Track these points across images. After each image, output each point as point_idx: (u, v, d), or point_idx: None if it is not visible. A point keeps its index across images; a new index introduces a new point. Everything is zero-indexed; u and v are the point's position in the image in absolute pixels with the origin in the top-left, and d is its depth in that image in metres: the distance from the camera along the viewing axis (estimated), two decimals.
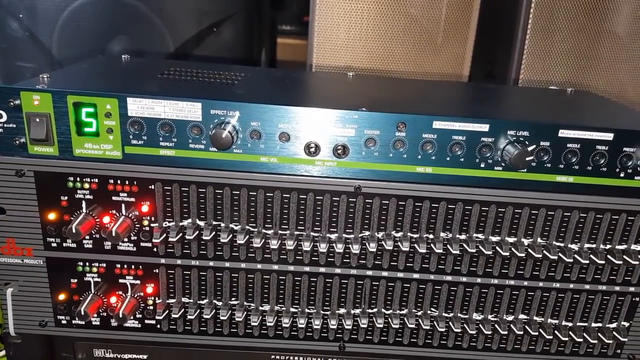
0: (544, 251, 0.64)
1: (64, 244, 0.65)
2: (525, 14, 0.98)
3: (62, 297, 0.67)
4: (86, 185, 0.63)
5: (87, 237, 0.65)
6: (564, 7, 0.97)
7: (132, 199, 0.63)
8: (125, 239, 0.65)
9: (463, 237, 0.65)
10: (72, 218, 0.63)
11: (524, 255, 0.64)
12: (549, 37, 0.99)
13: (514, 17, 1.01)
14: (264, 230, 0.65)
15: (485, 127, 0.60)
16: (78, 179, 0.63)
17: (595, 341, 0.68)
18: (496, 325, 0.68)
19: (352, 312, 0.68)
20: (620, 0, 0.98)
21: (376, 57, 1.01)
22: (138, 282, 0.67)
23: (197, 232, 0.64)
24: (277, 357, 0.71)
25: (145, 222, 0.64)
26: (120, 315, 0.65)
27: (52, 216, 0.64)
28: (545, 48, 1.00)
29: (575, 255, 0.64)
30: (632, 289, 0.68)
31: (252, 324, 0.67)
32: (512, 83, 1.03)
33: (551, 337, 0.68)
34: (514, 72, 1.03)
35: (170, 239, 0.63)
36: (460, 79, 1.05)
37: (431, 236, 0.65)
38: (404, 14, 0.99)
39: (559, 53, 1.00)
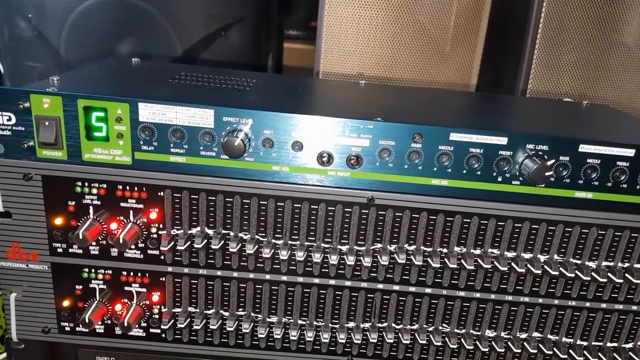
0: (561, 268, 0.63)
1: (70, 250, 0.64)
2: (534, 24, 0.97)
3: (66, 303, 0.66)
4: (94, 191, 0.62)
5: (94, 243, 0.63)
6: (574, 17, 0.97)
7: (141, 206, 0.62)
8: (133, 246, 0.63)
9: (478, 252, 0.64)
10: (79, 224, 0.62)
11: (540, 272, 0.62)
12: (558, 47, 0.98)
13: (523, 27, 1.00)
14: (273, 240, 0.63)
15: (503, 140, 0.59)
16: (86, 184, 0.61)
17: None
18: (509, 343, 0.67)
19: (362, 326, 0.67)
20: (630, 11, 0.97)
21: (384, 65, 1.00)
22: (144, 290, 0.66)
23: (206, 240, 0.62)
24: None
25: (154, 230, 0.63)
26: (125, 324, 0.63)
27: (58, 221, 0.62)
28: (554, 58, 0.99)
29: (593, 273, 0.63)
30: None
31: (259, 335, 0.66)
32: (520, 93, 1.02)
33: (566, 356, 0.66)
34: (522, 82, 1.02)
35: (178, 247, 0.62)
36: (468, 88, 1.04)
37: (445, 250, 0.63)
38: (413, 22, 0.98)
39: (567, 64, 1.00)
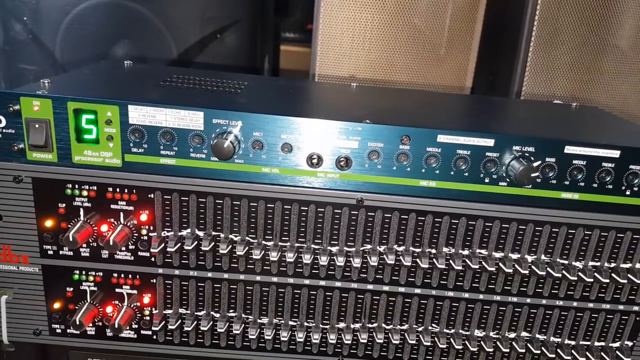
0: (548, 268, 0.63)
1: (61, 252, 0.64)
2: (528, 26, 0.98)
3: (57, 305, 0.66)
4: (84, 193, 0.62)
5: (84, 245, 0.63)
6: (568, 20, 0.97)
7: (131, 208, 0.62)
8: (123, 248, 0.64)
9: (466, 252, 0.64)
10: (69, 226, 0.62)
11: (527, 272, 0.63)
12: (552, 50, 0.99)
13: (517, 30, 1.00)
14: (264, 242, 0.64)
15: (490, 142, 0.60)
16: (76, 186, 0.62)
17: None
18: (498, 343, 0.67)
19: (352, 326, 0.67)
20: (623, 14, 0.98)
21: (379, 67, 1.01)
22: (135, 292, 0.66)
23: (196, 242, 0.63)
24: None
25: (144, 232, 0.63)
26: (116, 326, 0.64)
27: (49, 223, 0.63)
28: (548, 61, 1.00)
29: (579, 273, 0.63)
30: (636, 308, 0.67)
31: (250, 336, 0.66)
32: (515, 95, 1.02)
33: (553, 355, 0.67)
34: (517, 85, 1.02)
35: (168, 249, 0.62)
36: (463, 90, 1.05)
37: (434, 251, 0.64)
38: (408, 24, 0.99)
39: (562, 66, 1.00)
